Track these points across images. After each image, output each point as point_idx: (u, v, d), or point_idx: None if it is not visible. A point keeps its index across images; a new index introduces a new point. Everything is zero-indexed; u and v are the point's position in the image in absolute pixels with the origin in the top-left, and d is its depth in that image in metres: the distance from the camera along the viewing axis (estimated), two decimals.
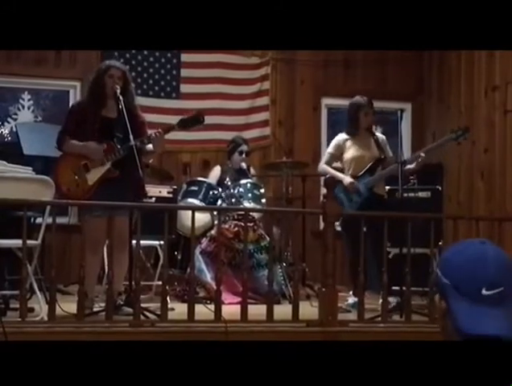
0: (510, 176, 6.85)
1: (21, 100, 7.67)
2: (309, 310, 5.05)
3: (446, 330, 1.70)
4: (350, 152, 5.87)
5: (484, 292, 1.63)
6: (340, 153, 5.92)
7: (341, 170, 5.96)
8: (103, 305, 4.56)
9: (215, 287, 4.71)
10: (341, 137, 5.99)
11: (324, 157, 6.12)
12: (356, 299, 5.09)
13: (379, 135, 6.01)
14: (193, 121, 5.03)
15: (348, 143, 5.90)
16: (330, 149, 6.04)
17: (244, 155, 6.74)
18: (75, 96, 7.55)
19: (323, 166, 6.00)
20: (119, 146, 4.88)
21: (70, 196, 4.91)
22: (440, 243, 5.89)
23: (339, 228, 5.60)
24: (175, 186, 6.56)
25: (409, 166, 5.65)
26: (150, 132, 5.00)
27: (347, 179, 5.78)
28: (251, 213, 6.07)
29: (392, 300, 5.15)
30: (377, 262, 5.10)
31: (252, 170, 6.92)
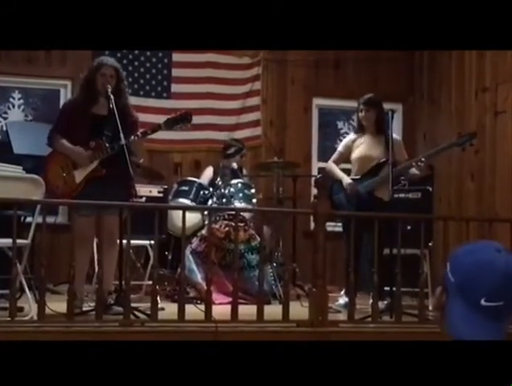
0: (500, 177, 6.87)
1: (11, 99, 7.64)
2: (299, 310, 5.05)
3: (441, 321, 1.68)
4: (357, 152, 5.81)
5: (482, 302, 1.60)
6: (349, 152, 5.86)
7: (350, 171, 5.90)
8: (93, 304, 4.55)
9: (205, 287, 4.70)
10: (351, 136, 5.96)
11: (334, 154, 6.04)
12: (347, 299, 5.08)
13: (394, 136, 5.63)
14: (180, 120, 5.02)
15: (357, 143, 5.83)
16: (340, 147, 6.01)
17: (241, 157, 6.77)
18: (66, 95, 7.53)
19: (329, 163, 5.96)
20: (107, 145, 4.87)
21: (58, 193, 4.91)
22: (430, 244, 5.91)
23: (331, 229, 5.57)
24: (165, 186, 6.55)
25: (414, 172, 5.58)
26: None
27: (346, 180, 5.73)
28: (242, 213, 6.06)
29: (381, 303, 5.13)
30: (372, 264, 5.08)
31: (244, 171, 6.93)
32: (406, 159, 5.75)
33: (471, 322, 1.60)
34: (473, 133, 5.77)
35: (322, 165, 8.13)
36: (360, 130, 5.85)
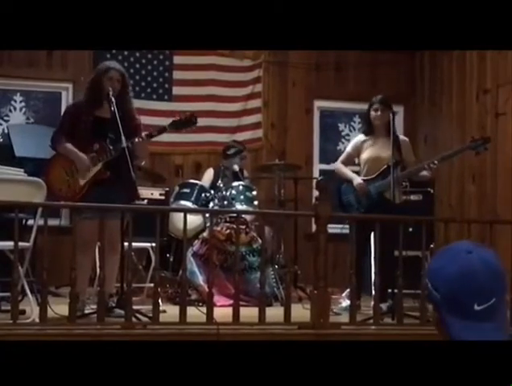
0: (501, 179, 6.87)
1: (13, 102, 7.64)
2: (301, 312, 5.05)
3: (442, 335, 1.67)
4: (366, 153, 5.76)
5: (476, 307, 1.59)
6: (358, 154, 5.82)
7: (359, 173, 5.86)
8: (94, 307, 4.55)
9: (207, 289, 4.70)
10: (360, 136, 5.90)
11: (342, 155, 6.03)
12: (349, 302, 5.06)
13: (401, 137, 5.80)
14: (185, 122, 5.03)
15: (366, 144, 5.78)
16: (348, 148, 5.96)
17: (241, 159, 6.79)
18: (67, 98, 7.54)
19: (337, 164, 5.92)
20: (111, 147, 4.87)
21: (62, 197, 4.90)
22: (432, 245, 5.90)
23: (332, 231, 5.51)
24: (167, 189, 6.55)
25: (424, 174, 5.58)
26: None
27: (357, 180, 5.69)
28: (243, 215, 6.07)
29: (383, 306, 5.12)
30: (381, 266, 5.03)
31: (245, 173, 6.94)
32: (413, 161, 5.76)
33: (470, 330, 1.59)
34: (487, 137, 5.72)
35: (323, 167, 8.16)
36: (370, 131, 5.81)
